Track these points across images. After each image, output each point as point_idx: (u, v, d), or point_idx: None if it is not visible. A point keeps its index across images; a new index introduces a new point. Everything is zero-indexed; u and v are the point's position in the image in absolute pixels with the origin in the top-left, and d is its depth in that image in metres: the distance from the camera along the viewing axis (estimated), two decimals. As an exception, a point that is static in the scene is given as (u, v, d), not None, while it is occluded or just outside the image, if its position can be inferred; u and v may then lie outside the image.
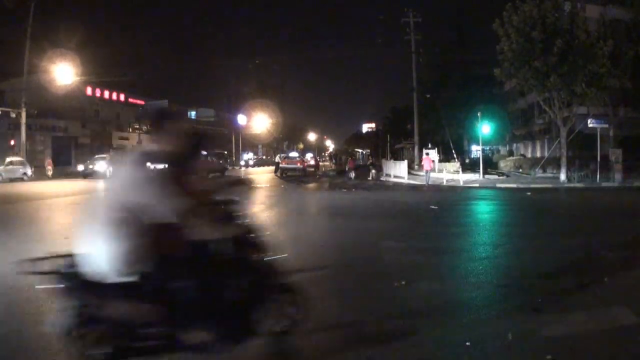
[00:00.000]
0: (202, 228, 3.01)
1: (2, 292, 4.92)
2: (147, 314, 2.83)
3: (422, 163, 30.04)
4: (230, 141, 63.56)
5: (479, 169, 28.33)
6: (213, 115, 62.23)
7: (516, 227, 9.93)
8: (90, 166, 29.16)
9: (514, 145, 47.21)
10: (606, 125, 25.78)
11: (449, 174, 27.70)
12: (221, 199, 3.33)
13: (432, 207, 13.70)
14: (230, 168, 47.90)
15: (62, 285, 2.85)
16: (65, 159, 39.23)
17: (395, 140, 63.53)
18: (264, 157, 75.80)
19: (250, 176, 33.86)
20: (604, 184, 22.28)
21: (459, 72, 46.06)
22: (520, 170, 31.96)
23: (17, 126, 30.19)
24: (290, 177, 31.62)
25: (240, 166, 56.99)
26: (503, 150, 48.48)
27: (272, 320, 3.27)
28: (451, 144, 34.61)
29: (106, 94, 48.39)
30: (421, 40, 40.05)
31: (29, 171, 28.06)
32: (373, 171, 31.80)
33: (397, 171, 29.75)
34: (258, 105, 71.04)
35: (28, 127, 31.01)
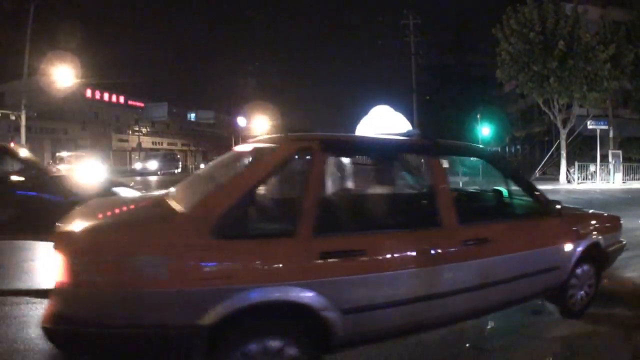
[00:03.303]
0: None
1: None
2: None
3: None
4: (230, 143, 63.57)
5: (479, 171, 28.24)
6: (213, 117, 62.21)
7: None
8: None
9: (514, 146, 47.17)
10: (606, 127, 25.75)
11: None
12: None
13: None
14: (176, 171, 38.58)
15: None
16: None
17: (394, 141, 63.48)
18: None
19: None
20: (604, 186, 22.25)
21: (458, 73, 46.04)
22: (520, 171, 31.90)
23: (17, 128, 30.15)
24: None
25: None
26: (502, 151, 48.47)
27: None
28: (451, 146, 34.53)
29: (106, 96, 48.43)
30: (420, 41, 40.08)
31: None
32: (373, 173, 31.78)
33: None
34: (258, 107, 70.94)
35: (28, 129, 30.95)
